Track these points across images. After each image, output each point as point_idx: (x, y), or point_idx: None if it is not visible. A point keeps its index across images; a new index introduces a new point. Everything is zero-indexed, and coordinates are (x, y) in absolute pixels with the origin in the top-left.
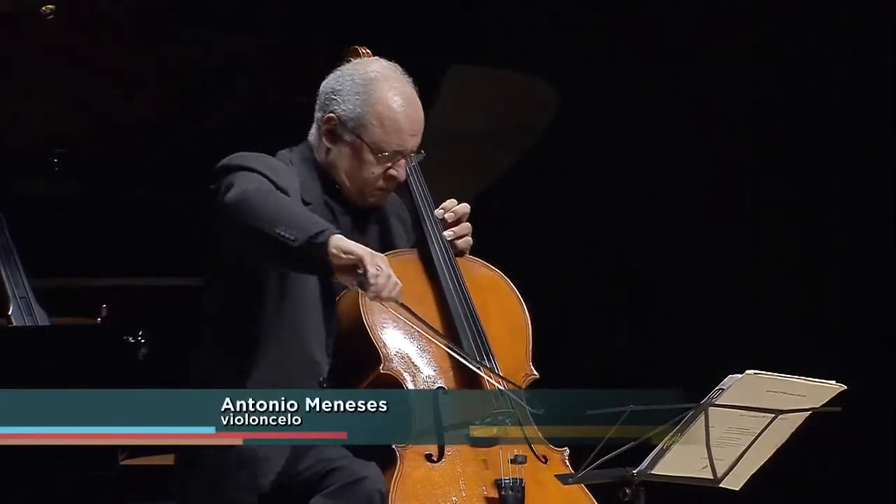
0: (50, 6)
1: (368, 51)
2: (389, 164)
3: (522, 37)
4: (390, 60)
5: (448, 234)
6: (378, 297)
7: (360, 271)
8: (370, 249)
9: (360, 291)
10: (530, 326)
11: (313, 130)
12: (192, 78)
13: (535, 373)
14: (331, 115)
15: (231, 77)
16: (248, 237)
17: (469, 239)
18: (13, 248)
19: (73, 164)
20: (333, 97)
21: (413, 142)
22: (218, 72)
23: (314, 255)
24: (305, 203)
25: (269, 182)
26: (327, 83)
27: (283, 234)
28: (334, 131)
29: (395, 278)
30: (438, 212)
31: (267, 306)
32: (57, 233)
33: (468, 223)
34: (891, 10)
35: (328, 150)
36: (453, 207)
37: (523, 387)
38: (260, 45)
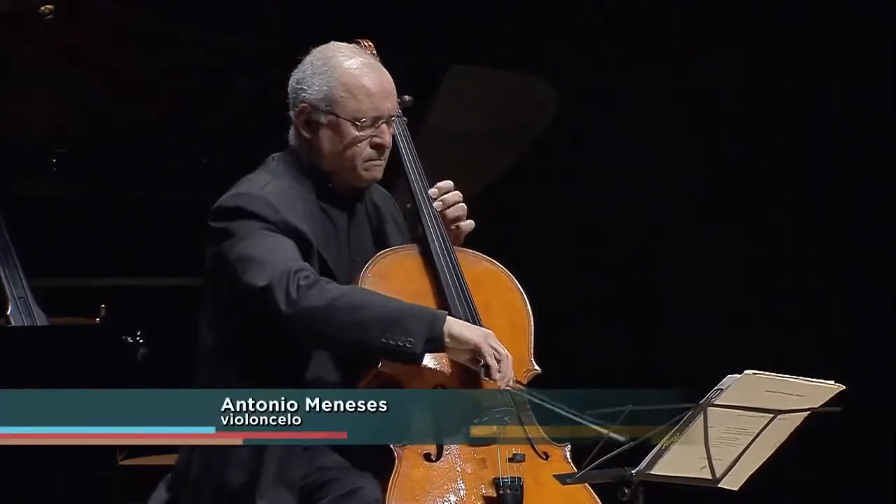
0: (50, 6)
1: (371, 43)
2: (372, 132)
3: (522, 37)
4: (390, 60)
5: (437, 204)
6: (505, 381)
7: (482, 363)
8: (481, 330)
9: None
10: (532, 321)
11: (292, 132)
12: (192, 78)
13: (537, 367)
14: (302, 104)
15: (231, 77)
16: (340, 346)
17: (471, 222)
18: (12, 247)
19: (73, 164)
20: (299, 87)
21: (388, 104)
22: (218, 72)
23: (431, 350)
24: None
25: (275, 227)
26: (292, 79)
27: (397, 343)
28: (310, 119)
29: (510, 357)
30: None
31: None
32: (57, 233)
33: (462, 204)
34: (891, 10)
35: (310, 141)
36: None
37: (525, 382)
38: (260, 45)
